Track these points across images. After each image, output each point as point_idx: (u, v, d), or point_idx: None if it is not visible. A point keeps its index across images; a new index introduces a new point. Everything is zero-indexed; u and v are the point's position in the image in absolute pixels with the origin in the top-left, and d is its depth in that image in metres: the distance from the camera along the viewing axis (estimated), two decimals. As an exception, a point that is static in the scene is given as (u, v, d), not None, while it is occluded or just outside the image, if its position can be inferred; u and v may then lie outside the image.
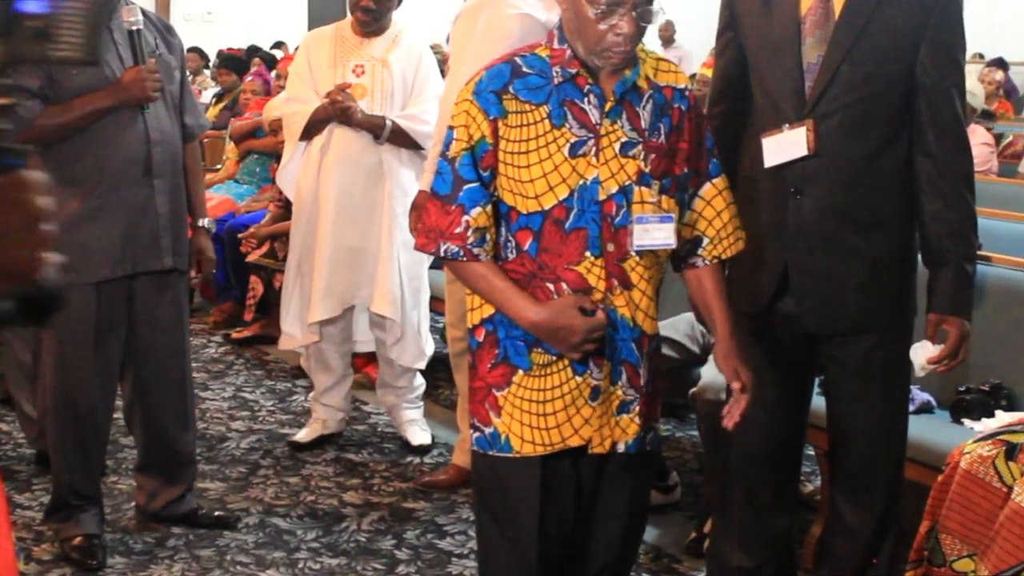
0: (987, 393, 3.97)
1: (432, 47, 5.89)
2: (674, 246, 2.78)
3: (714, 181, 2.87)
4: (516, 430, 2.75)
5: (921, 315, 3.19)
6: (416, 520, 4.37)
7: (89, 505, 4.02)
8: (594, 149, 2.68)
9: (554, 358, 2.72)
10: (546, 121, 2.67)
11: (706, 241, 2.88)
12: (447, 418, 5.21)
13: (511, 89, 2.68)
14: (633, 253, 2.72)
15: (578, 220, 2.68)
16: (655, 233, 2.73)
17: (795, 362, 3.26)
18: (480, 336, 2.79)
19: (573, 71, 2.69)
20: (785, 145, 3.05)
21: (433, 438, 5.12)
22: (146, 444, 4.17)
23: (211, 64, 13.55)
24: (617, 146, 2.70)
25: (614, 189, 2.69)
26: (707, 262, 2.90)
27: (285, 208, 5.54)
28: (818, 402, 3.38)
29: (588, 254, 2.68)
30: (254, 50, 12.62)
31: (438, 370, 5.50)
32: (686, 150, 2.80)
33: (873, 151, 3.05)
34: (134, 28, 3.84)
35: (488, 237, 2.70)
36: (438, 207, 2.70)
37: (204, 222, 4.21)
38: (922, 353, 3.12)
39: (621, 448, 2.80)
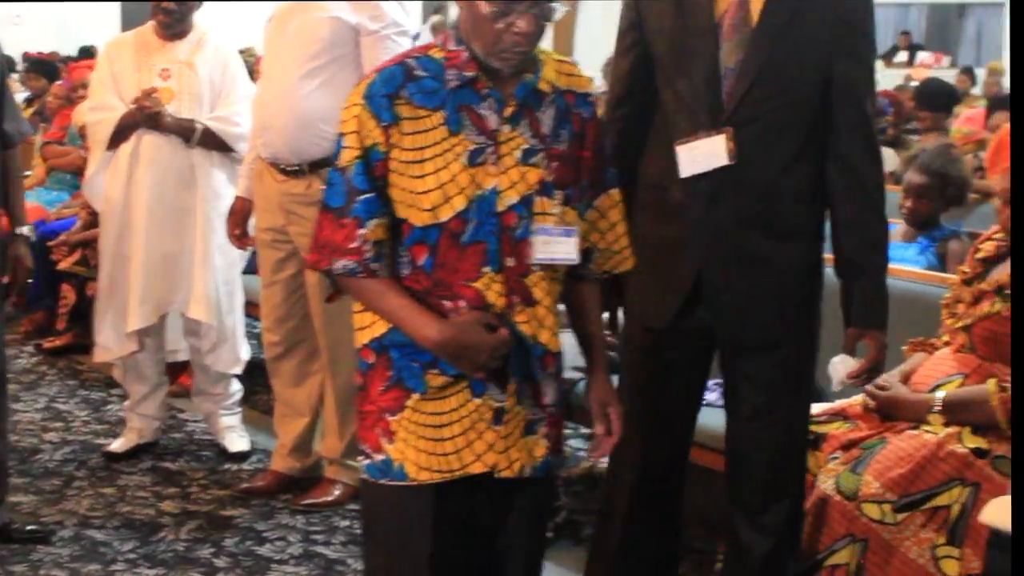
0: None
1: (244, 51, 5.84)
2: (577, 261, 2.63)
3: (610, 192, 2.74)
4: (411, 456, 2.57)
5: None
6: (235, 527, 4.32)
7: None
8: (493, 157, 2.53)
9: (451, 379, 2.55)
10: (442, 128, 2.51)
11: (597, 254, 2.75)
12: (265, 424, 5.14)
13: (404, 93, 2.51)
14: (535, 268, 2.57)
15: (476, 233, 2.52)
16: (556, 247, 2.58)
17: (690, 378, 3.19)
18: (370, 358, 2.62)
19: (470, 74, 2.52)
20: (702, 154, 2.93)
21: (252, 444, 5.06)
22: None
23: (17, 68, 13.18)
24: (518, 154, 2.54)
25: (515, 199, 2.54)
26: (596, 276, 2.79)
27: (96, 215, 5.43)
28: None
29: (487, 269, 2.53)
30: (69, 56, 12.33)
31: (255, 375, 5.43)
32: (588, 159, 2.66)
33: (790, 160, 2.97)
34: None
35: (384, 251, 2.53)
36: (331, 220, 2.53)
37: (24, 230, 4.11)
38: (842, 368, 3.09)
39: (528, 472, 2.64)
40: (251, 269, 4.94)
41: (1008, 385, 3.18)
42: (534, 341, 2.60)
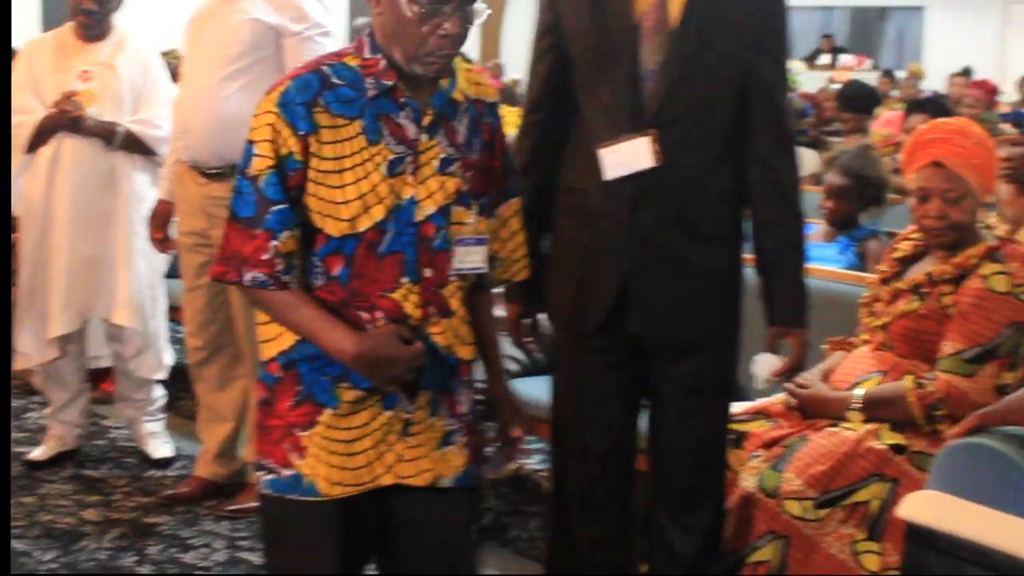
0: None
1: (168, 53, 5.79)
2: (486, 270, 2.62)
3: (511, 200, 2.72)
4: (323, 472, 2.52)
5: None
6: (158, 535, 4.28)
7: None
8: (412, 167, 2.48)
9: (363, 393, 2.50)
10: (361, 137, 2.45)
11: (497, 263, 2.72)
12: (189, 430, 5.08)
13: (321, 101, 2.43)
14: (452, 277, 2.55)
15: (393, 243, 2.48)
16: (471, 256, 2.57)
17: (623, 383, 3.15)
18: (277, 371, 2.54)
19: (389, 83, 2.47)
20: (626, 156, 2.91)
21: (175, 450, 5.02)
22: None
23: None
24: (436, 163, 2.51)
25: (432, 210, 2.51)
26: (492, 285, 2.75)
27: (15, 219, 5.35)
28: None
29: (405, 280, 2.49)
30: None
31: (179, 381, 5.36)
32: (497, 168, 2.66)
33: (712, 160, 2.98)
34: None
35: (295, 263, 2.47)
36: (239, 231, 2.44)
37: None
38: (766, 367, 3.12)
39: (447, 482, 2.61)
40: (173, 273, 4.90)
41: (925, 381, 3.23)
42: (448, 352, 2.58)
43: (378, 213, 2.47)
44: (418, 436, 2.57)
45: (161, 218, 4.52)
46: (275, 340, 2.55)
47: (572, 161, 3.07)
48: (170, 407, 5.27)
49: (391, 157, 2.48)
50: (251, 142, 2.46)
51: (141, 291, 4.79)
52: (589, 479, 3.20)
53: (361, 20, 17.65)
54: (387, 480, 2.56)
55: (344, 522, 2.57)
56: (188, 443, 5.07)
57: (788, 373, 3.15)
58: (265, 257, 2.44)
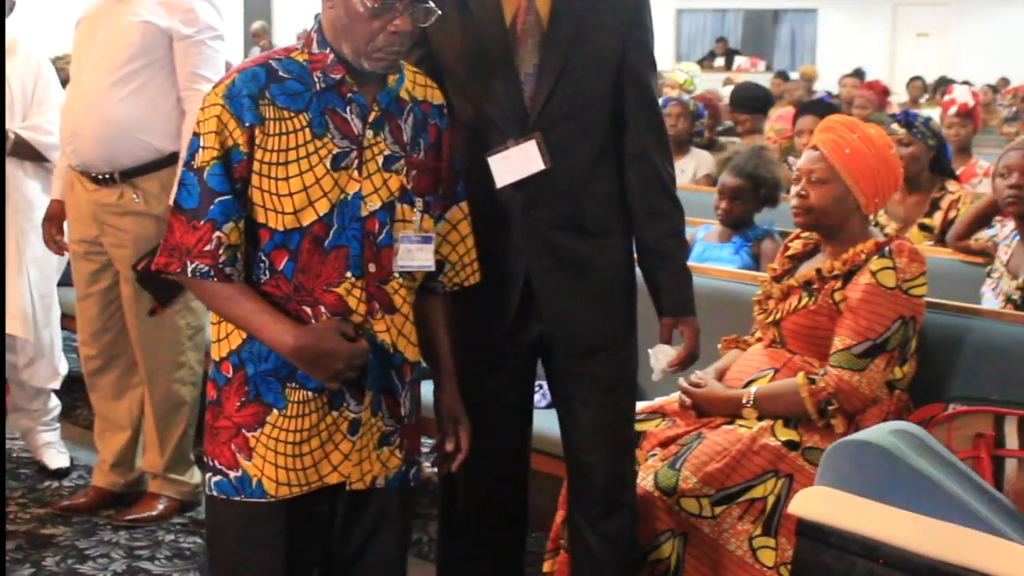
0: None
1: (62, 58, 5.70)
2: (433, 269, 2.66)
3: (460, 204, 2.76)
4: (270, 472, 2.54)
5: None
6: (56, 546, 4.22)
7: None
8: (356, 162, 2.53)
9: (311, 394, 2.53)
10: (307, 130, 2.49)
11: (448, 267, 2.76)
12: (86, 439, 5.03)
13: (268, 94, 2.48)
14: (396, 274, 2.59)
15: (338, 238, 2.51)
16: (417, 254, 2.60)
17: (525, 389, 3.16)
18: (227, 371, 2.57)
19: (337, 77, 2.52)
20: (515, 162, 2.89)
21: (72, 460, 4.95)
22: None
23: None
24: (380, 159, 2.56)
25: (377, 205, 2.55)
26: (446, 289, 2.79)
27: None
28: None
29: (349, 274, 2.52)
30: None
31: (74, 390, 5.31)
32: (443, 170, 2.70)
33: (595, 158, 2.98)
34: None
35: (239, 256, 2.49)
36: (183, 222, 2.47)
37: None
38: (663, 357, 3.10)
39: (381, 483, 2.65)
40: (67, 280, 4.84)
41: (816, 377, 3.28)
42: (393, 350, 2.60)
43: (322, 207, 2.51)
44: (363, 437, 2.60)
45: (56, 219, 4.44)
46: (225, 339, 2.58)
47: None
48: (66, 416, 5.21)
49: (336, 151, 2.52)
50: (197, 134, 2.50)
51: (33, 300, 4.72)
52: (483, 488, 3.17)
53: (257, 24, 17.58)
54: (333, 479, 2.60)
55: (291, 522, 2.60)
56: (85, 453, 5.01)
57: (685, 361, 3.14)
58: (208, 248, 2.46)
